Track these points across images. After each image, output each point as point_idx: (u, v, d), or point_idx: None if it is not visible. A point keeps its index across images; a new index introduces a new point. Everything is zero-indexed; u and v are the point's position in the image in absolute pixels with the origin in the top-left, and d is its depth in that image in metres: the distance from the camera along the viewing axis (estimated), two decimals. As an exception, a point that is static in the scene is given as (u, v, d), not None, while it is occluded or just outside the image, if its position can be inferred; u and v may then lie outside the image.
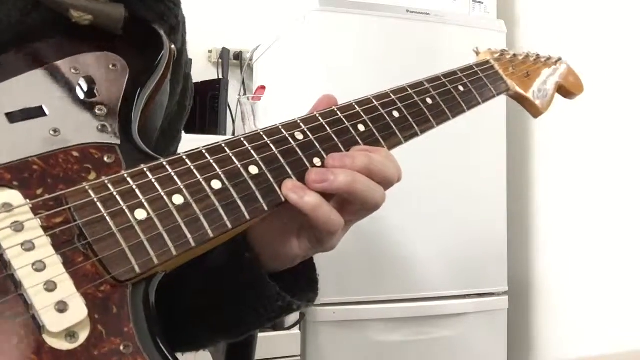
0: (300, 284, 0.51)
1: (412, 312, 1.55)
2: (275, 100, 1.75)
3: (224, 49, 2.02)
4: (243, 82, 2.07)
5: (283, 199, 0.41)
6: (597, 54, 1.54)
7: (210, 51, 2.06)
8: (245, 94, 2.02)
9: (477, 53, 0.68)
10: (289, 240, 0.45)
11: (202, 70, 1.98)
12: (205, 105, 1.84)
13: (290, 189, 0.41)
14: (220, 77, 1.97)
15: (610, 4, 1.53)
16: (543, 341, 1.72)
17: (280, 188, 0.42)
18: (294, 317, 1.44)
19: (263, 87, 1.87)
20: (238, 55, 2.07)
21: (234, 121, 1.97)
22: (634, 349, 1.39)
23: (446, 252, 1.59)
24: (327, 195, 0.43)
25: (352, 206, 0.44)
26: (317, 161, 0.44)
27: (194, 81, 2.11)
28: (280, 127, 0.45)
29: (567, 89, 0.74)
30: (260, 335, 1.38)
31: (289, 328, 1.44)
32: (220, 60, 2.01)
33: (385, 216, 1.58)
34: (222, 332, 0.52)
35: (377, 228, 1.53)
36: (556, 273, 1.68)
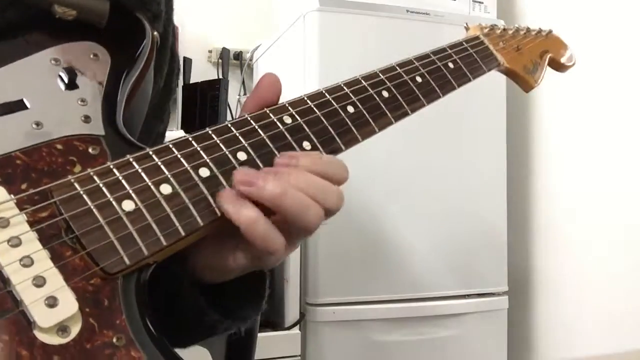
0: (239, 298, 0.46)
1: (412, 312, 1.55)
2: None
3: (224, 49, 2.02)
4: (243, 82, 2.07)
5: None
6: (597, 54, 1.54)
7: (210, 51, 2.06)
8: (245, 94, 2.02)
9: (467, 29, 0.67)
10: (224, 255, 0.41)
11: (202, 70, 1.98)
12: (205, 105, 1.84)
13: (226, 200, 0.37)
14: (220, 77, 1.97)
15: (610, 4, 1.53)
16: (543, 341, 1.72)
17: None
18: (293, 317, 1.44)
19: (263, 87, 1.87)
20: (238, 55, 2.07)
21: (234, 121, 1.97)
22: (634, 349, 1.39)
23: (446, 252, 1.59)
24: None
25: (283, 224, 0.39)
26: (306, 144, 0.43)
27: (194, 81, 2.10)
28: (268, 111, 0.44)
29: (558, 61, 0.72)
30: (260, 335, 1.38)
31: (289, 328, 1.44)
32: (220, 60, 2.01)
33: (385, 216, 1.58)
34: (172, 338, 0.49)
35: (377, 228, 1.53)
36: (556, 273, 1.68)
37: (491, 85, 1.64)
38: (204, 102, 1.85)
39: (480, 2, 1.72)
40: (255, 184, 0.38)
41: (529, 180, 1.79)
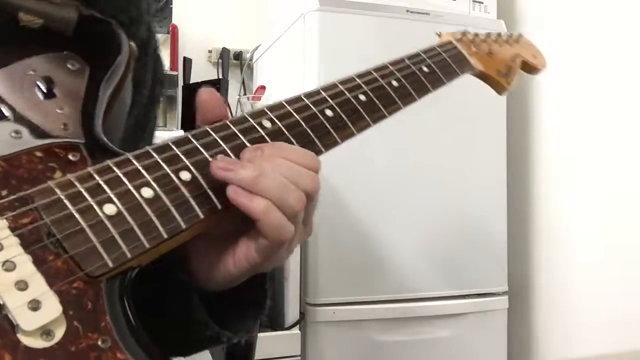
0: (242, 310, 0.47)
1: (412, 312, 1.55)
2: (275, 100, 1.75)
3: (224, 49, 2.02)
4: (243, 82, 2.07)
5: None
6: (597, 54, 1.54)
7: (210, 51, 2.06)
8: (245, 94, 2.02)
9: (439, 35, 0.69)
10: (225, 261, 0.41)
11: (202, 70, 1.99)
12: (205, 105, 1.84)
13: (237, 192, 0.38)
14: (220, 77, 1.97)
15: (610, 4, 1.53)
16: (543, 341, 1.72)
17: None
18: (294, 317, 1.44)
19: (263, 87, 1.87)
20: (238, 55, 2.07)
21: (234, 121, 1.97)
22: (634, 349, 1.39)
23: (446, 252, 1.59)
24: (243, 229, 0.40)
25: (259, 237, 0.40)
26: None
27: (194, 81, 2.11)
28: (247, 115, 0.45)
29: (530, 65, 0.75)
30: (260, 335, 1.38)
31: (289, 328, 1.44)
32: (220, 60, 2.01)
33: (385, 216, 1.58)
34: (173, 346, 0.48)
35: (378, 228, 1.53)
36: (556, 273, 1.68)
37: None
38: (204, 102, 1.84)
39: (480, 2, 1.71)
40: (233, 169, 0.39)
41: (528, 181, 1.79)
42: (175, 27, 1.89)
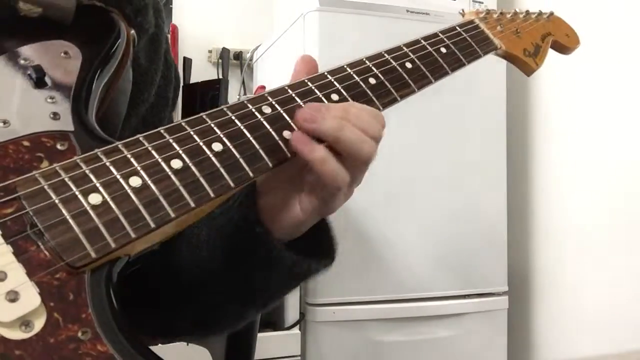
0: (315, 250, 0.49)
1: (412, 312, 1.55)
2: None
3: (224, 49, 2.02)
4: (243, 82, 2.07)
5: (252, 175, 0.40)
6: (598, 52, 1.54)
7: (210, 51, 2.06)
8: (245, 94, 2.02)
9: (463, 15, 0.65)
10: (292, 206, 0.44)
11: (202, 70, 1.98)
12: (205, 105, 1.84)
13: (299, 142, 0.40)
14: (220, 77, 1.97)
15: (610, 4, 1.53)
16: (543, 341, 1.72)
17: (247, 164, 0.40)
18: (294, 317, 1.44)
19: (263, 87, 1.87)
20: (238, 55, 2.07)
21: (234, 121, 1.97)
22: (634, 349, 1.39)
23: (446, 252, 1.59)
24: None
25: (344, 160, 0.42)
26: (287, 134, 0.42)
27: (194, 81, 2.09)
28: (246, 102, 0.43)
29: (562, 44, 0.71)
30: (260, 335, 1.38)
31: (289, 328, 1.44)
32: (220, 60, 2.01)
33: (385, 216, 1.58)
34: (246, 303, 0.51)
35: (377, 228, 1.53)
36: (556, 273, 1.68)
37: (491, 84, 1.64)
38: (204, 102, 1.85)
39: (480, 2, 1.71)
40: (316, 120, 0.41)
41: (529, 180, 1.79)
42: (175, 27, 1.89)
